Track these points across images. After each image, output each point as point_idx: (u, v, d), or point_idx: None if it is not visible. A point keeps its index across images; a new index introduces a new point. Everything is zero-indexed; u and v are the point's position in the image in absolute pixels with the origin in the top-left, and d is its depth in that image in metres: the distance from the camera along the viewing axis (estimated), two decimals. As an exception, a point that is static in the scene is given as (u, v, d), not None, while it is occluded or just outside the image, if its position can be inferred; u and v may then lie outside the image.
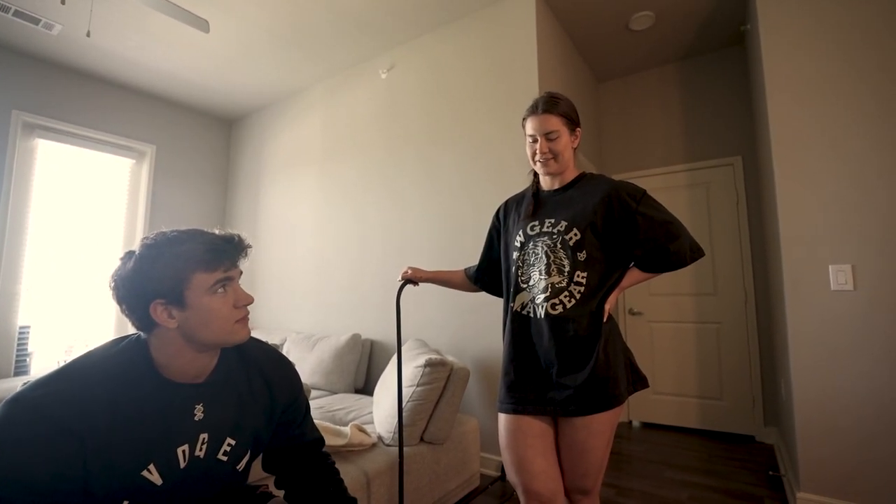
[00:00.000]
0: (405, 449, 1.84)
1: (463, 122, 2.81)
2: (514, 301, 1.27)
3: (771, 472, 2.37)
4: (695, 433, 3.11)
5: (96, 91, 3.67)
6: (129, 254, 0.82)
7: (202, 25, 2.45)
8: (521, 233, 1.28)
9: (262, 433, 0.96)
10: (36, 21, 2.88)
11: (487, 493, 2.23)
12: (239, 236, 0.88)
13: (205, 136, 4.39)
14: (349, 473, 1.59)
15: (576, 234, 1.19)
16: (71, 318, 3.47)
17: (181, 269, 0.79)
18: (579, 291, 1.17)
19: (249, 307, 0.90)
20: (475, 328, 2.59)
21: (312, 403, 2.39)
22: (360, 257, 3.23)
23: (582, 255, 1.18)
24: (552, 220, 1.23)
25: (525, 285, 1.24)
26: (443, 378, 1.96)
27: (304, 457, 1.05)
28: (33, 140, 3.35)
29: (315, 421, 1.18)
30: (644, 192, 1.22)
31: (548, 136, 1.24)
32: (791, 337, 1.98)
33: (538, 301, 1.20)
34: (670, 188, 3.34)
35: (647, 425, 3.32)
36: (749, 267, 3.04)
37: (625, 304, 3.46)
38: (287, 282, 3.75)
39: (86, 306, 3.54)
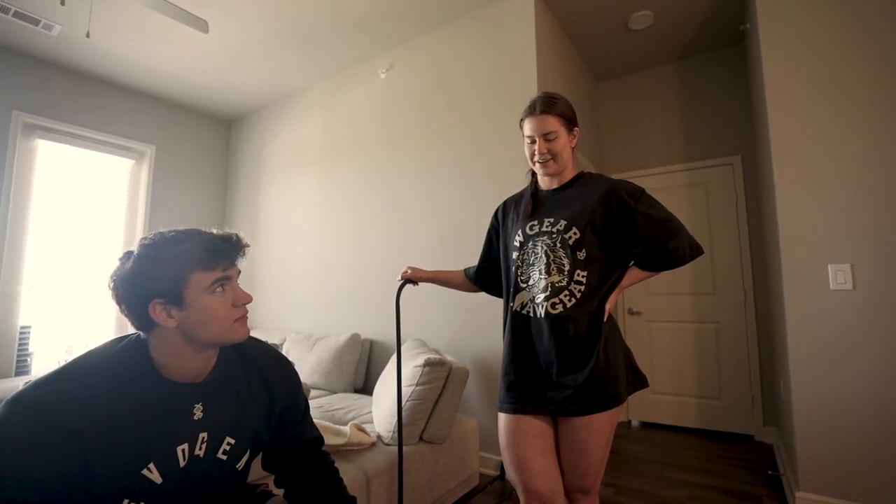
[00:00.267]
0: (404, 448, 1.85)
1: (462, 122, 2.82)
2: (513, 301, 1.27)
3: (770, 472, 2.37)
4: (694, 433, 3.11)
5: (96, 92, 3.67)
6: (128, 254, 0.82)
7: (201, 26, 2.46)
8: (520, 232, 1.28)
9: (261, 432, 0.97)
10: (36, 22, 2.89)
11: (486, 492, 2.24)
12: (237, 235, 0.88)
13: (204, 136, 4.39)
14: (349, 472, 1.59)
15: (575, 233, 1.19)
16: (71, 319, 3.47)
17: (179, 268, 0.80)
18: (579, 290, 1.17)
19: (249, 307, 0.90)
20: (474, 328, 2.59)
21: (312, 403, 2.40)
22: (360, 257, 3.23)
23: (581, 254, 1.18)
24: (551, 220, 1.24)
25: (525, 285, 1.25)
26: (442, 377, 1.96)
27: (303, 456, 1.05)
28: (34, 140, 3.35)
29: (314, 420, 1.18)
30: (642, 191, 1.22)
31: (546, 137, 1.24)
32: (790, 336, 1.98)
33: (538, 300, 1.20)
34: (669, 188, 3.34)
35: (646, 425, 3.32)
36: (748, 266, 3.04)
37: (624, 304, 3.46)
38: (287, 282, 3.76)
39: (86, 306, 3.54)
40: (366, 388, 3.05)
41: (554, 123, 1.24)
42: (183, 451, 0.83)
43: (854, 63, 1.94)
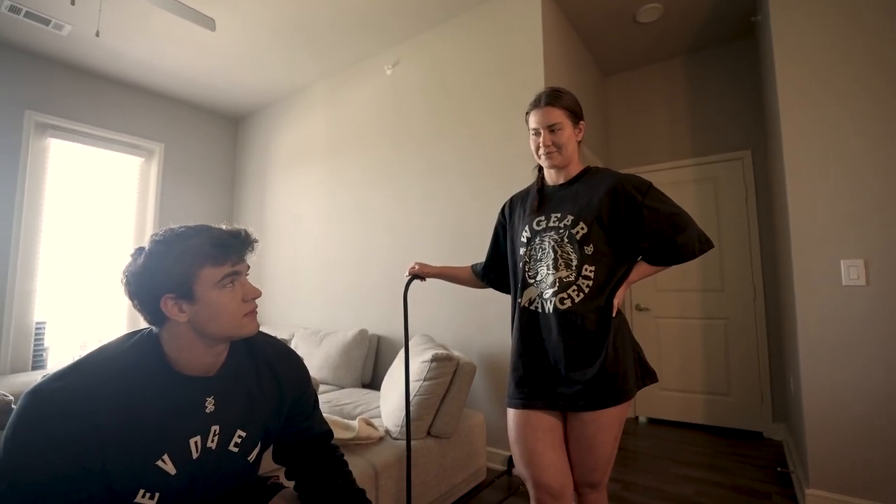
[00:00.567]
0: (412, 443, 1.86)
1: (467, 119, 2.81)
2: (521, 296, 1.27)
3: (780, 469, 2.35)
4: (701, 429, 3.10)
5: (106, 90, 3.71)
6: (140, 250, 0.84)
7: (208, 24, 2.47)
8: (527, 228, 1.28)
9: (271, 426, 0.98)
10: (46, 22, 2.92)
11: (494, 486, 2.25)
12: (245, 231, 0.90)
13: (212, 134, 4.43)
14: (357, 466, 1.61)
15: (583, 228, 1.19)
16: (84, 315, 3.53)
17: (189, 263, 0.81)
18: (587, 286, 1.17)
19: (257, 302, 0.91)
20: (480, 324, 2.60)
21: (320, 398, 2.42)
22: (366, 253, 3.25)
23: (589, 249, 1.18)
24: (558, 215, 1.23)
25: (532, 280, 1.25)
26: (449, 373, 1.97)
27: (313, 449, 1.06)
28: (46, 140, 3.40)
29: (323, 414, 1.19)
30: (650, 185, 1.22)
31: (551, 129, 1.23)
32: (800, 332, 1.96)
33: (546, 296, 1.20)
34: (677, 183, 3.31)
35: (653, 421, 3.31)
36: (758, 262, 3.01)
37: (631, 300, 3.45)
38: (294, 277, 3.78)
39: (98, 302, 3.60)
40: (373, 383, 3.07)
41: (559, 115, 1.23)
42: (196, 443, 0.85)
43: (871, 53, 1.88)
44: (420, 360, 1.98)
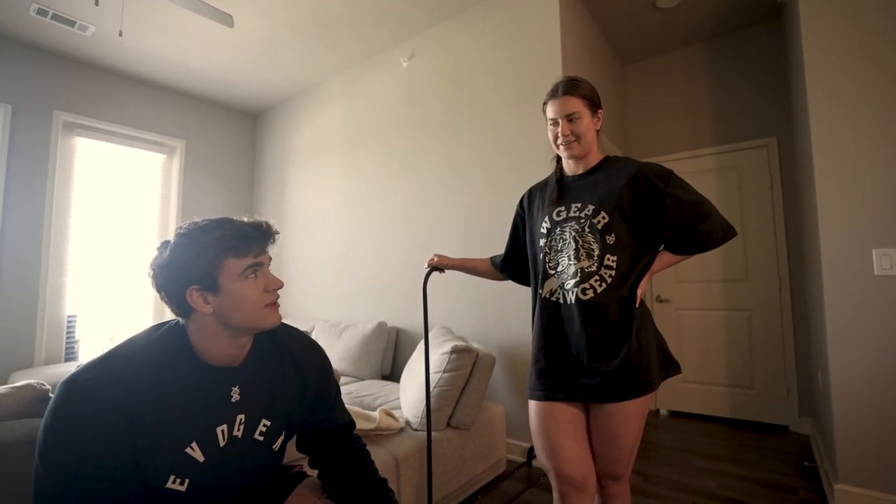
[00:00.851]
0: (432, 434, 1.87)
1: (483, 110, 2.79)
2: (542, 288, 1.26)
3: (807, 463, 2.30)
4: (724, 422, 3.04)
5: (129, 89, 3.80)
6: (165, 243, 0.86)
7: (226, 20, 2.50)
8: (546, 219, 1.27)
9: (294, 415, 1.00)
10: (72, 23, 2.99)
11: (514, 478, 2.25)
12: (267, 223, 0.91)
13: (231, 130, 4.50)
14: (379, 456, 1.63)
15: (604, 217, 1.17)
16: (112, 308, 3.64)
17: (213, 255, 0.82)
18: (610, 275, 1.15)
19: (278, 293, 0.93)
20: (498, 316, 2.59)
21: (342, 389, 2.45)
22: (384, 246, 3.27)
23: (611, 239, 1.16)
24: (578, 205, 1.22)
25: (553, 271, 1.23)
26: (469, 364, 1.97)
27: (335, 439, 1.08)
28: (73, 138, 3.50)
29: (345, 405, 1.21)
30: (671, 173, 1.19)
31: (569, 118, 1.22)
32: (829, 323, 1.90)
33: (568, 287, 1.19)
34: (699, 172, 3.23)
35: (674, 413, 3.27)
36: (784, 252, 2.93)
37: (652, 292, 3.39)
38: (313, 271, 3.83)
39: (125, 296, 3.71)
40: (393, 375, 3.10)
41: (577, 104, 1.21)
42: (222, 431, 0.87)
43: (904, 33, 1.81)
44: (440, 352, 1.99)
